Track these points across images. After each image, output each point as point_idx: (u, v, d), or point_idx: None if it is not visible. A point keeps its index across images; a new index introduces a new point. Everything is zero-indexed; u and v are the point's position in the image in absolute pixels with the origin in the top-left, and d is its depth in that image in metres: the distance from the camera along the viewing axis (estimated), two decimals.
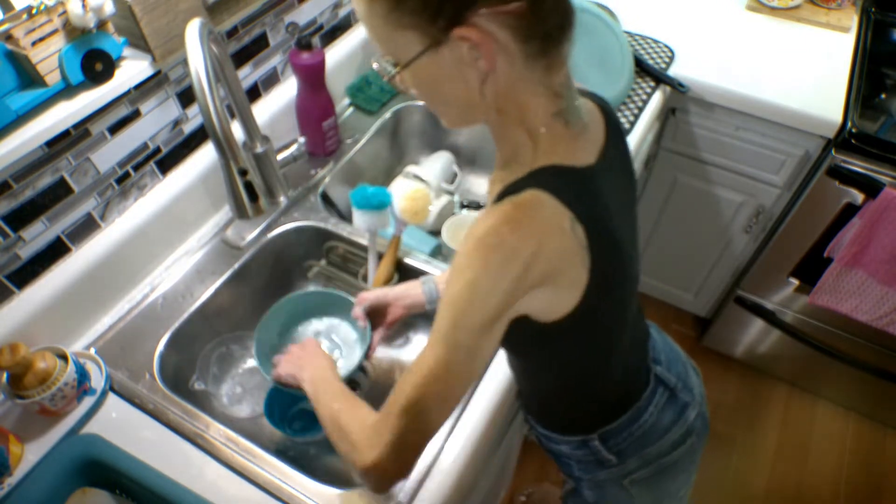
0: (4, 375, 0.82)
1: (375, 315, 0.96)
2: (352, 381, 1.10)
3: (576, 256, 0.58)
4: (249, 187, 0.78)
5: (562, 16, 0.55)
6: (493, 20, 0.52)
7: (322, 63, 1.12)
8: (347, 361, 1.00)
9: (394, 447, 0.59)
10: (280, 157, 0.98)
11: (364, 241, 1.10)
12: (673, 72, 1.44)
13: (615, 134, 0.68)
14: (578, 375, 0.73)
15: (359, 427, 0.64)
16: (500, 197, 0.59)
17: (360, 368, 1.11)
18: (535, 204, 0.56)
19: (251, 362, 1.11)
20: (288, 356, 0.88)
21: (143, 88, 0.96)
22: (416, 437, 0.60)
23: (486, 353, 0.59)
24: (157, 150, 1.03)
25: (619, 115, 1.32)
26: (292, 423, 0.99)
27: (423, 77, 0.58)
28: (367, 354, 0.94)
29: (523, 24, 0.52)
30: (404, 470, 0.62)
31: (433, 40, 0.53)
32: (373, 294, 0.95)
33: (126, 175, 0.99)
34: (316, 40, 1.29)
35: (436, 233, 1.21)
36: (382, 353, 1.14)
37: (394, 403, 0.60)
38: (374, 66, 0.67)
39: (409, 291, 0.94)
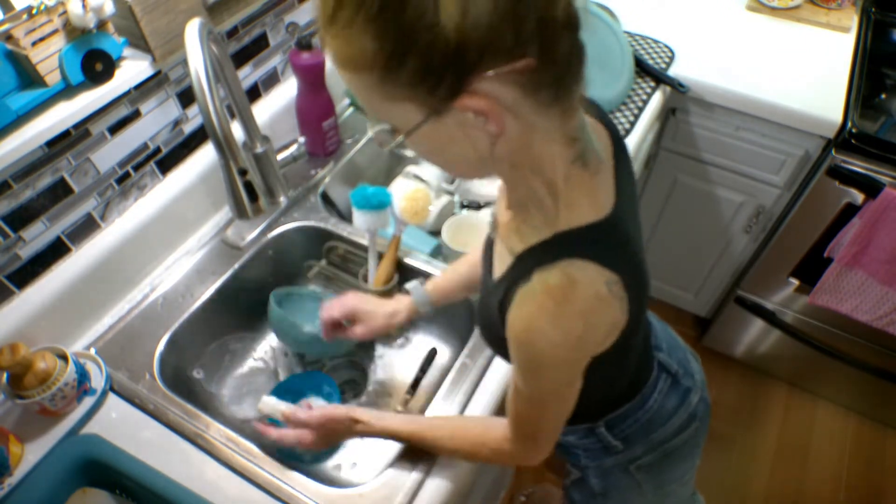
0: (4, 375, 0.82)
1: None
2: (353, 383, 1.10)
3: (616, 312, 0.58)
4: (249, 187, 0.78)
5: (572, 57, 0.50)
6: (498, 82, 0.46)
7: (322, 63, 1.12)
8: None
9: (536, 452, 0.72)
10: (280, 157, 0.98)
11: (364, 241, 1.10)
12: (673, 72, 1.44)
13: (619, 148, 0.66)
14: (596, 380, 0.73)
15: (492, 454, 0.75)
16: (527, 265, 0.57)
17: (360, 369, 1.11)
18: (567, 286, 0.54)
19: (252, 363, 1.11)
20: (316, 438, 0.83)
21: (144, 88, 0.96)
22: (547, 443, 0.71)
23: (575, 393, 0.65)
24: (158, 150, 1.03)
25: (619, 115, 1.32)
26: None
27: (426, 144, 0.54)
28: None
29: (533, 77, 0.47)
30: (552, 447, 0.72)
31: (433, 110, 0.48)
32: (360, 308, 0.94)
33: (126, 175, 0.99)
34: (316, 40, 1.29)
35: (436, 233, 1.21)
36: (383, 351, 1.14)
37: (517, 431, 0.71)
38: (370, 133, 0.64)
39: (398, 305, 0.95)
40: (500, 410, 0.89)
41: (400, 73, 0.46)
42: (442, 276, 0.96)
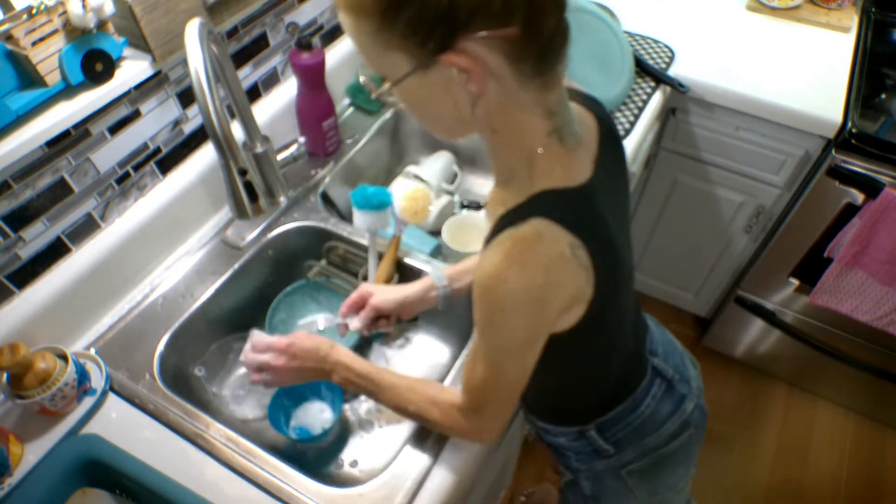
0: (4, 375, 0.82)
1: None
2: None
3: (580, 278, 0.60)
4: (249, 187, 0.78)
5: (556, 35, 0.54)
6: (485, 45, 0.51)
7: (322, 63, 1.12)
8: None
9: (482, 427, 0.73)
10: (280, 157, 0.98)
11: (364, 241, 1.10)
12: (673, 72, 1.44)
13: (608, 137, 0.68)
14: (577, 373, 0.74)
15: (441, 416, 0.76)
16: (501, 224, 0.60)
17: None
18: (533, 238, 0.57)
19: None
20: (283, 366, 0.85)
21: (144, 88, 0.96)
22: (495, 421, 0.72)
23: (531, 361, 0.65)
24: (158, 150, 1.03)
25: (619, 115, 1.32)
26: (297, 427, 1.00)
27: (411, 95, 0.58)
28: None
29: (516, 46, 0.52)
30: (501, 429, 0.73)
31: (421, 62, 0.53)
32: (386, 302, 0.94)
33: (126, 175, 0.99)
34: (316, 40, 1.29)
35: (436, 233, 1.21)
36: (382, 351, 1.14)
37: (467, 400, 0.71)
38: (362, 79, 0.67)
39: (426, 296, 0.95)
40: None
41: (395, 23, 0.50)
42: (462, 264, 0.97)
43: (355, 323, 0.96)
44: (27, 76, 0.80)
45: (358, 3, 0.51)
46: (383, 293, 0.95)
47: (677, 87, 1.41)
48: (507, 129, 0.59)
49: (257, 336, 0.88)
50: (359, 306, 0.96)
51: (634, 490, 0.89)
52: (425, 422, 0.80)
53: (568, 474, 0.98)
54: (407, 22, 0.50)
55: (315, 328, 1.05)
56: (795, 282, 1.63)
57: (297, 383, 0.91)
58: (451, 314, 1.09)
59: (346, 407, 1.05)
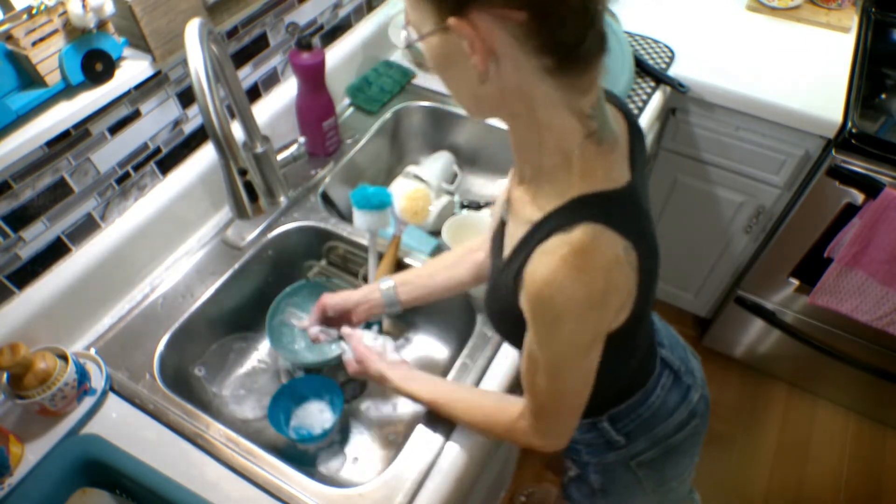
0: (4, 376, 0.82)
1: (335, 320, 0.99)
2: (353, 383, 1.10)
3: (631, 280, 0.60)
4: (249, 187, 0.77)
5: (584, 39, 0.52)
6: (493, 22, 0.50)
7: (322, 63, 1.12)
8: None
9: (551, 435, 0.72)
10: (280, 157, 0.98)
11: (364, 241, 1.10)
12: (673, 72, 1.44)
13: (636, 134, 0.68)
14: (602, 368, 0.73)
15: (505, 431, 0.76)
16: (544, 229, 0.58)
17: None
18: (591, 245, 0.56)
19: (253, 363, 1.11)
20: (354, 371, 0.91)
21: (144, 88, 0.96)
22: (565, 427, 0.72)
23: (594, 364, 0.65)
24: (158, 150, 1.03)
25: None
26: (297, 427, 1.00)
27: (433, 55, 0.58)
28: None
29: (531, 35, 0.50)
30: (571, 434, 0.73)
31: (438, 22, 0.53)
32: (333, 300, 0.96)
33: (126, 175, 0.99)
34: (316, 40, 1.29)
35: (436, 233, 1.21)
36: None
37: (534, 411, 0.70)
38: (402, 33, 0.68)
39: (370, 296, 0.96)
40: None
41: None
42: (417, 279, 0.96)
43: (314, 330, 0.97)
44: (27, 76, 0.80)
45: None
46: (333, 295, 0.97)
47: (677, 87, 1.41)
48: (531, 121, 0.58)
49: (347, 331, 0.93)
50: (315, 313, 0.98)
51: (643, 481, 0.91)
52: (491, 437, 0.81)
53: (574, 469, 0.98)
54: None
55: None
56: (795, 282, 1.63)
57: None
58: (451, 314, 1.09)
59: (346, 407, 1.05)
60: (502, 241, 0.70)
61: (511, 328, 0.70)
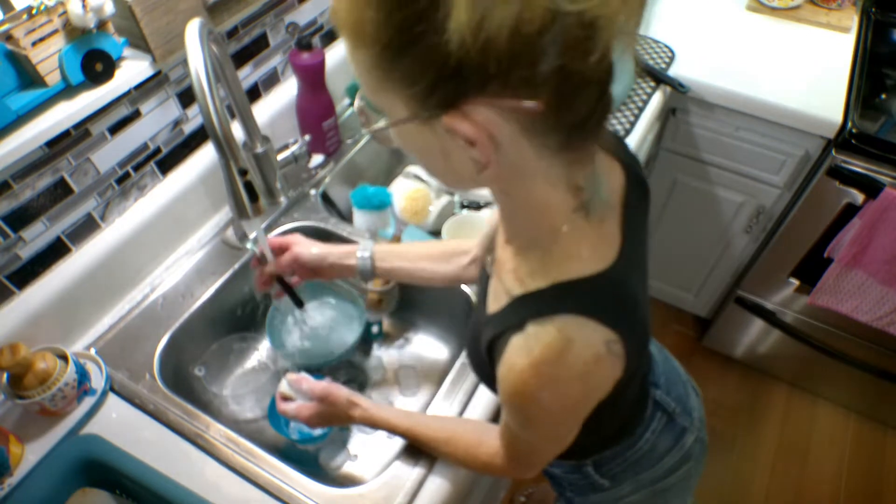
0: (5, 376, 0.82)
1: (302, 271, 0.92)
2: (352, 384, 1.10)
3: (616, 370, 0.55)
4: (249, 187, 0.78)
5: (595, 110, 0.45)
6: (498, 114, 0.42)
7: (322, 63, 1.12)
8: (345, 338, 1.04)
9: (526, 474, 0.71)
10: (280, 157, 0.98)
11: None
12: (673, 72, 1.44)
13: (634, 188, 0.60)
14: (586, 426, 0.72)
15: (482, 467, 0.75)
16: (521, 311, 0.54)
17: (359, 369, 1.12)
18: (563, 346, 0.51)
19: (254, 363, 1.11)
20: (314, 413, 0.83)
21: (144, 89, 0.96)
22: (540, 467, 0.70)
23: (570, 436, 0.64)
24: (158, 150, 1.03)
25: (619, 115, 1.32)
26: (296, 427, 1.00)
27: (408, 141, 0.50)
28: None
29: (538, 123, 0.44)
30: (541, 469, 0.72)
31: (418, 115, 0.45)
32: (309, 254, 0.89)
33: (126, 175, 0.99)
34: (316, 40, 1.29)
35: (436, 233, 1.21)
36: (382, 352, 1.14)
37: (509, 460, 0.70)
38: (357, 105, 0.59)
39: (346, 260, 0.89)
40: (499, 412, 0.89)
41: (394, 66, 0.42)
42: (397, 259, 0.90)
43: (270, 266, 0.90)
44: (27, 76, 0.80)
45: (356, 27, 0.42)
46: (306, 244, 0.89)
47: (677, 87, 1.40)
48: (523, 199, 0.52)
49: (293, 378, 0.85)
50: (281, 250, 0.90)
51: None
52: (470, 470, 0.80)
53: (561, 500, 0.96)
54: (407, 69, 0.41)
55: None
56: (795, 282, 1.63)
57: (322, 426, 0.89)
58: (451, 314, 1.09)
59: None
60: (486, 291, 0.66)
61: (482, 374, 0.69)
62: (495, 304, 0.60)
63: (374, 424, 0.82)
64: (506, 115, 0.43)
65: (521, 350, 0.52)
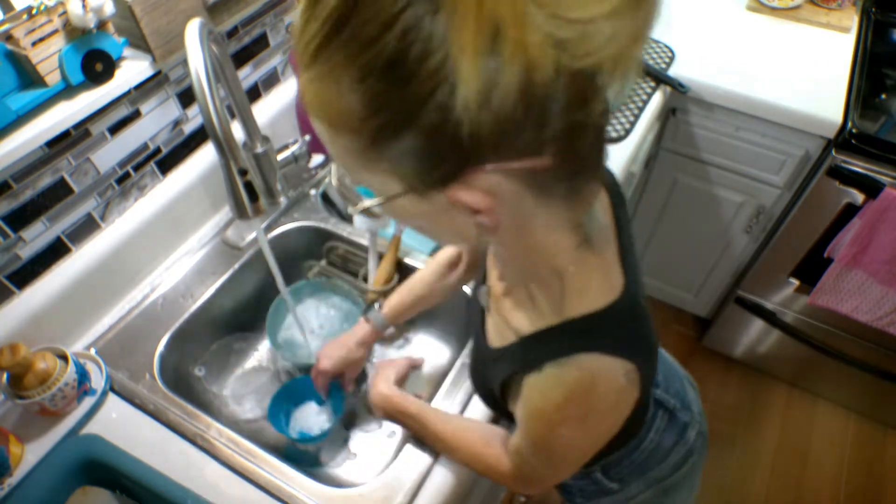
0: (4, 376, 0.82)
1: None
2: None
3: (634, 396, 0.55)
4: (249, 187, 0.78)
5: (594, 151, 0.44)
6: (504, 177, 0.40)
7: None
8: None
9: (529, 489, 0.72)
10: (280, 157, 0.98)
11: (364, 242, 1.10)
12: (673, 72, 1.44)
13: (619, 207, 0.60)
14: None
15: (486, 468, 0.74)
16: (537, 354, 0.53)
17: None
18: (589, 386, 0.51)
19: (254, 363, 1.11)
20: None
21: (144, 89, 0.96)
22: (550, 483, 0.69)
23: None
24: (158, 150, 1.03)
25: (619, 115, 1.32)
26: (296, 428, 1.00)
27: (403, 215, 0.47)
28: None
29: (544, 177, 0.41)
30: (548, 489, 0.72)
31: (415, 190, 0.41)
32: (327, 367, 0.95)
33: (126, 175, 0.99)
34: None
35: None
36: (382, 352, 1.14)
37: (518, 475, 0.69)
38: (333, 181, 0.53)
39: (353, 354, 0.96)
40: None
41: (389, 147, 0.38)
42: (398, 298, 0.96)
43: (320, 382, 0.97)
44: (27, 76, 0.80)
45: (336, 118, 0.38)
46: (328, 355, 0.95)
47: (677, 87, 1.40)
48: (523, 247, 0.50)
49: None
50: (321, 378, 0.97)
51: None
52: (474, 470, 0.79)
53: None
54: (405, 149, 0.38)
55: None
56: (795, 282, 1.63)
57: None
58: (451, 314, 1.09)
59: (347, 406, 1.05)
60: (483, 322, 0.66)
61: (491, 402, 0.70)
62: (499, 339, 0.61)
63: (391, 401, 0.84)
64: (510, 176, 0.40)
65: (545, 393, 0.53)
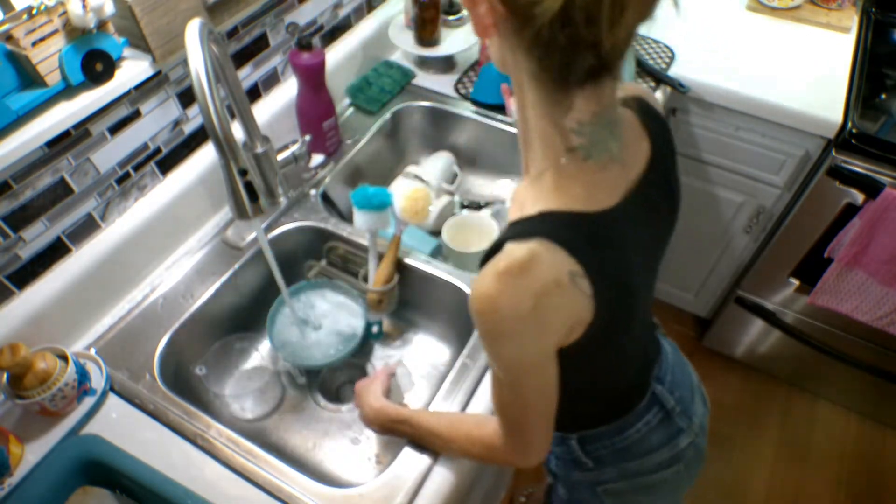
0: (5, 376, 0.82)
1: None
2: (359, 370, 1.11)
3: (579, 304, 0.57)
4: (249, 187, 0.78)
5: (574, 56, 0.50)
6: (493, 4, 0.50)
7: (322, 63, 1.12)
8: (345, 338, 1.07)
9: (525, 450, 0.70)
10: (280, 157, 0.98)
11: (364, 242, 1.10)
12: (673, 72, 1.44)
13: (661, 154, 0.63)
14: (570, 386, 0.71)
15: (483, 451, 0.75)
16: (506, 234, 0.57)
17: (360, 369, 1.12)
18: (529, 264, 0.54)
19: (254, 362, 1.11)
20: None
21: (144, 89, 0.96)
22: (537, 439, 0.69)
23: (550, 376, 0.63)
24: (158, 150, 1.03)
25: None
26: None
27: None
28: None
29: (515, 32, 0.51)
30: (546, 446, 0.71)
31: None
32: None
33: (126, 175, 0.99)
34: (316, 41, 1.29)
35: (436, 233, 1.21)
36: (382, 352, 1.15)
37: (502, 426, 0.70)
38: None
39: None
40: None
41: None
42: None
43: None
44: (27, 76, 0.80)
45: None
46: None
47: (677, 87, 1.41)
48: (530, 125, 0.58)
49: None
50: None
51: None
52: (472, 457, 0.80)
53: (550, 478, 0.97)
54: None
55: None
56: (795, 282, 1.63)
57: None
58: (451, 314, 1.09)
59: (346, 408, 1.05)
60: None
61: None
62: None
63: (384, 413, 0.84)
64: (495, 7, 0.50)
65: (492, 265, 0.56)
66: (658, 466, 0.83)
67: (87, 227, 0.97)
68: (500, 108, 1.34)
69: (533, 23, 0.48)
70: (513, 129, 1.32)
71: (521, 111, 0.58)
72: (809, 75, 1.43)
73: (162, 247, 1.07)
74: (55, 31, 0.79)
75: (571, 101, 0.54)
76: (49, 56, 0.79)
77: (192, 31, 0.70)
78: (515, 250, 0.55)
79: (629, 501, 0.87)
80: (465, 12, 1.43)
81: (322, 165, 1.24)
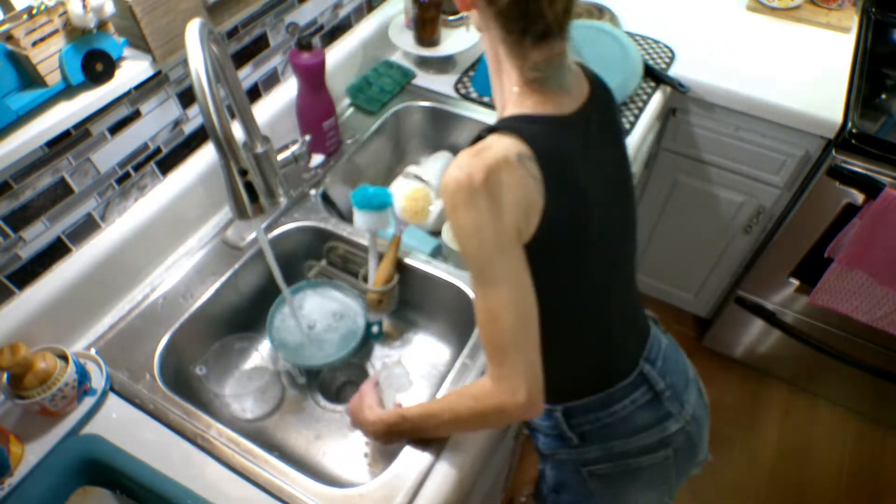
0: (5, 376, 0.82)
1: None
2: (353, 384, 1.10)
3: (528, 185, 0.65)
4: (249, 187, 0.77)
5: (524, 10, 0.65)
6: None
7: (322, 63, 1.12)
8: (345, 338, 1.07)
9: (514, 381, 0.67)
10: (280, 157, 0.98)
11: (364, 242, 1.10)
12: (673, 72, 1.44)
13: (599, 97, 0.76)
14: (551, 336, 0.71)
15: (473, 400, 0.73)
16: (469, 145, 0.69)
17: (359, 369, 1.12)
18: (480, 147, 0.65)
19: (254, 362, 1.11)
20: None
21: (144, 89, 0.96)
22: (524, 366, 0.68)
23: (522, 275, 0.67)
24: (158, 150, 1.03)
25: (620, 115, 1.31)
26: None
27: None
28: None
29: (491, 9, 0.67)
30: (533, 378, 0.68)
31: None
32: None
33: (126, 175, 0.99)
34: (316, 41, 1.29)
35: (436, 233, 1.21)
36: (382, 352, 1.14)
37: (488, 355, 0.70)
38: None
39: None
40: None
41: None
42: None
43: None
44: (27, 76, 0.80)
45: None
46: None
47: (677, 87, 1.41)
48: (503, 68, 0.72)
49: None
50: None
51: (595, 495, 0.88)
52: (467, 421, 0.76)
53: (540, 462, 0.97)
54: None
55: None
56: (795, 282, 1.63)
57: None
58: (451, 314, 1.09)
59: (345, 408, 1.05)
60: None
61: None
62: None
63: (385, 422, 0.83)
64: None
65: (456, 158, 0.67)
66: (644, 449, 0.83)
67: (88, 227, 0.97)
68: None
69: (497, 4, 0.66)
70: None
71: (495, 62, 0.73)
72: (809, 75, 1.43)
73: (162, 247, 1.07)
74: (55, 31, 0.79)
75: (529, 53, 0.69)
76: (49, 56, 0.79)
77: (192, 31, 0.70)
78: (477, 143, 0.68)
79: (616, 487, 0.87)
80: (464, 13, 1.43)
81: (322, 165, 1.24)
